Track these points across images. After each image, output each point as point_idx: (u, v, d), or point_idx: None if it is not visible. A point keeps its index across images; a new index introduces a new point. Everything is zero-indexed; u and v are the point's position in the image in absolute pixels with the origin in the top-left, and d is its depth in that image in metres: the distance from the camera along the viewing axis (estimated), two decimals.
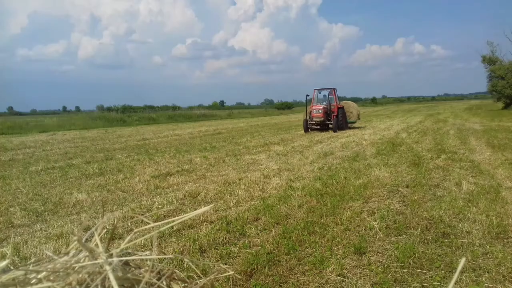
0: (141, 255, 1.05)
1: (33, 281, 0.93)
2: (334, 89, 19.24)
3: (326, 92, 19.69)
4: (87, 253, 0.98)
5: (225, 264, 3.66)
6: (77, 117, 36.14)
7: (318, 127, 18.87)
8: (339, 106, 19.00)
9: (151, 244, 3.59)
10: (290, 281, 3.32)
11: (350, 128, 20.11)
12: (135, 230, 1.26)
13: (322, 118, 18.28)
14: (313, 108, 18.67)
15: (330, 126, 18.66)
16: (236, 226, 4.67)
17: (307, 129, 18.60)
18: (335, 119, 18.22)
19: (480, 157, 9.23)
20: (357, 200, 5.70)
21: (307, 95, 19.55)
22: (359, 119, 22.19)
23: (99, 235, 1.06)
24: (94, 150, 13.47)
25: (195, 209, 5.61)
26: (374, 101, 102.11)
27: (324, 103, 19.17)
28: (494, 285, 3.12)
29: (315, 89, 19.82)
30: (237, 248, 4.03)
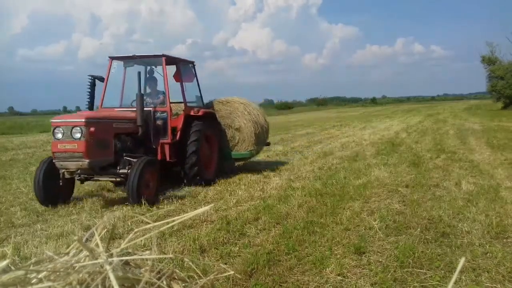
0: (141, 255, 1.06)
1: (34, 281, 0.93)
2: (170, 60, 7.32)
3: (157, 76, 7.70)
4: (88, 253, 0.99)
5: (225, 263, 3.66)
6: None
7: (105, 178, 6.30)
8: (197, 112, 7.19)
9: (151, 244, 3.59)
10: (290, 280, 3.32)
11: (231, 167, 8.75)
12: (135, 230, 1.26)
13: (82, 161, 5.44)
14: (57, 129, 5.52)
15: (119, 179, 6.03)
16: (236, 226, 4.67)
17: (43, 193, 5.74)
18: (135, 167, 5.65)
19: (480, 157, 9.23)
20: (357, 200, 5.70)
21: (92, 78, 7.05)
22: (268, 145, 9.41)
23: (99, 235, 1.06)
24: None
25: (195, 209, 5.61)
26: (374, 101, 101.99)
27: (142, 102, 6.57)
28: (494, 285, 3.12)
29: (111, 58, 7.29)
30: (237, 248, 4.03)
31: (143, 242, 3.69)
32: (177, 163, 7.01)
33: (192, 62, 8.03)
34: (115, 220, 5.03)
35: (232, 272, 1.98)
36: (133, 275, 0.97)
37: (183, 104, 7.32)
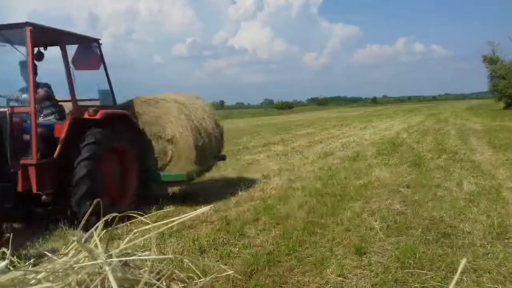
0: (140, 256, 1.05)
1: (32, 281, 0.93)
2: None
3: (38, 62, 4.97)
4: (87, 254, 0.98)
5: (225, 264, 3.65)
6: None
7: None
8: (93, 115, 4.74)
9: (151, 244, 3.58)
10: (290, 281, 3.31)
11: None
12: (135, 230, 1.26)
13: None
14: None
15: None
16: (236, 226, 4.66)
17: None
18: None
19: (481, 157, 9.21)
20: (358, 200, 5.69)
21: None
22: (222, 159, 7.03)
23: (98, 236, 1.06)
24: None
25: (195, 209, 5.59)
26: (374, 101, 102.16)
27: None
28: (495, 286, 3.11)
29: None
30: (237, 249, 4.03)
31: (142, 242, 3.68)
32: (56, 195, 4.50)
33: (96, 40, 5.49)
34: (114, 220, 5.02)
35: (231, 272, 1.97)
36: (133, 276, 0.96)
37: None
